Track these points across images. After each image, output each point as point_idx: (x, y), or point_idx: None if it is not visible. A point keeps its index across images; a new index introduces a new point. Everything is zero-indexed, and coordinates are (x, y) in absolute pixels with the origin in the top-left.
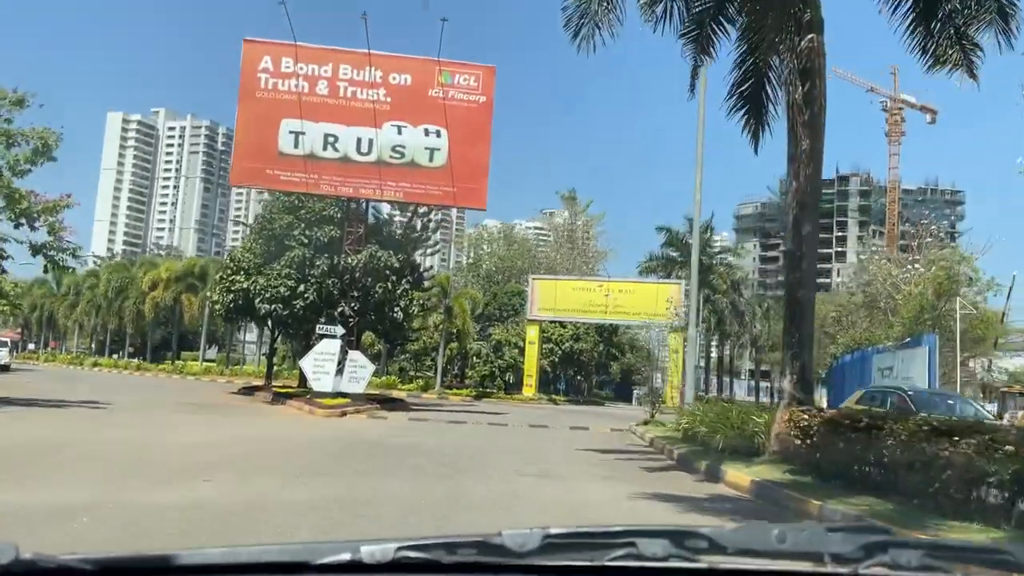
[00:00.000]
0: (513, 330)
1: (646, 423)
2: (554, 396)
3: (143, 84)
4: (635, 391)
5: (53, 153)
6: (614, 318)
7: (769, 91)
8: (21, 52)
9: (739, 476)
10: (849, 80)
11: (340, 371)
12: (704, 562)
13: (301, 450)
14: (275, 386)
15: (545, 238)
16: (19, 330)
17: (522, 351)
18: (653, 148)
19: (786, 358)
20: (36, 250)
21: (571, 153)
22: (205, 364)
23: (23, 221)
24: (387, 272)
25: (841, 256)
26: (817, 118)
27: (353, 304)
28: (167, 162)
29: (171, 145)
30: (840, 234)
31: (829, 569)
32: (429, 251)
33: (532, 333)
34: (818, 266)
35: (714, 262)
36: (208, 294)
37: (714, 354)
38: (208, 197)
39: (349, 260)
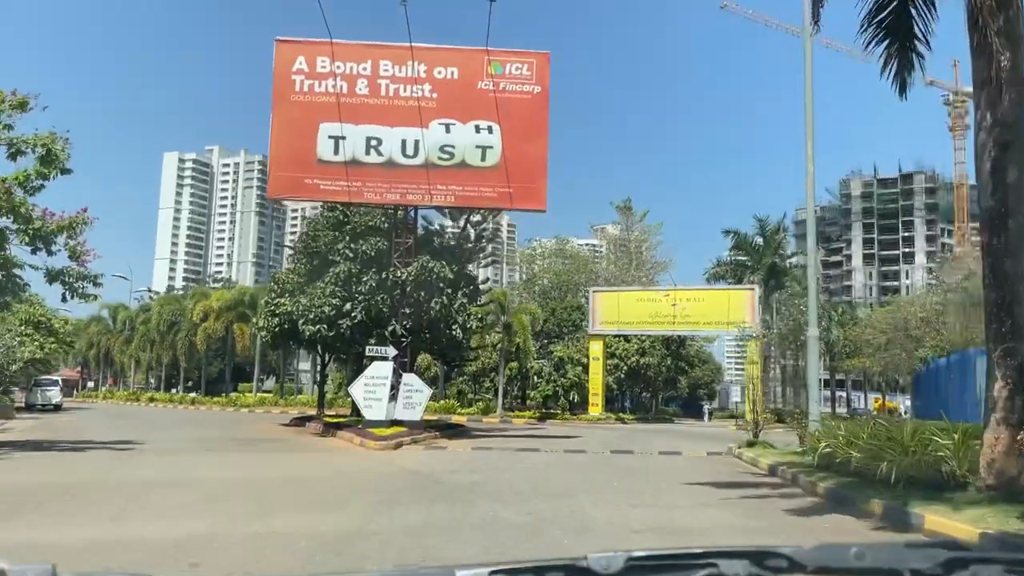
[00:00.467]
0: (574, 346)
1: (751, 445)
2: (621, 414)
3: (195, 122)
4: (705, 406)
5: (64, 163)
6: (682, 329)
7: (917, 11)
8: (76, 91)
9: (950, 524)
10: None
11: (394, 397)
12: None
13: (340, 498)
14: (327, 415)
15: (600, 253)
16: (78, 368)
17: (585, 368)
18: (711, 151)
19: (994, 356)
20: (53, 277)
21: (623, 159)
22: (260, 395)
23: (39, 244)
24: (441, 285)
25: (909, 258)
26: (1014, 25)
27: (405, 322)
28: (223, 198)
29: (226, 181)
30: (907, 234)
31: None
32: (483, 262)
33: (596, 348)
34: (884, 269)
35: (787, 264)
36: (254, 320)
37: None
38: (264, 230)
39: (399, 274)
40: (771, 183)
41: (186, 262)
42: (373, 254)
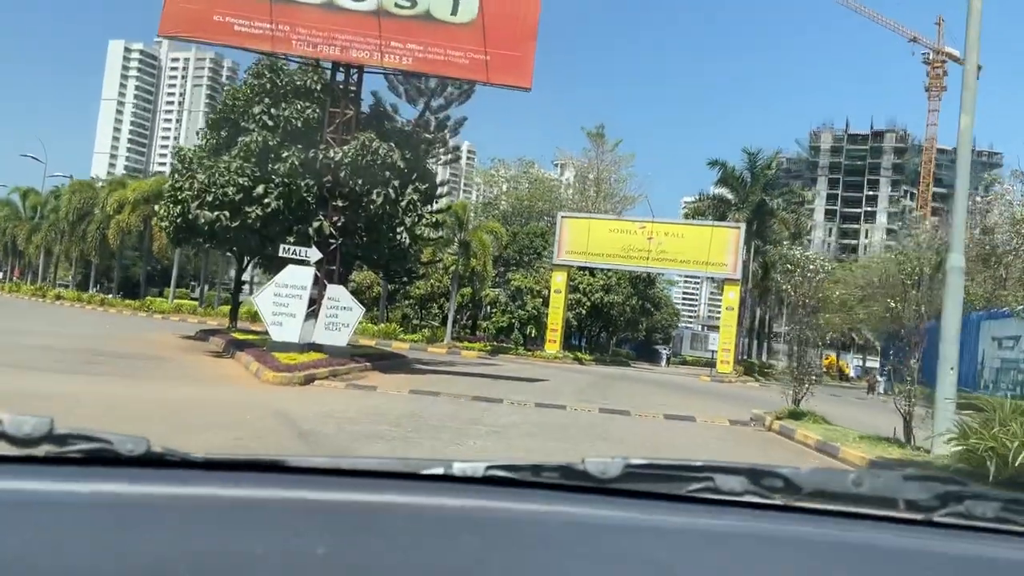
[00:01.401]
0: (534, 277)
1: (795, 416)
2: (579, 354)
3: (146, 10)
4: (664, 352)
5: None
6: (657, 266)
7: None
8: None
9: None
10: (891, 28)
11: (314, 314)
12: (779, 499)
13: None
14: (238, 332)
15: (565, 183)
16: None
17: (545, 301)
18: (699, 82)
19: None
20: None
21: (597, 84)
22: (178, 302)
23: None
24: (387, 174)
25: (871, 217)
26: None
27: (336, 218)
28: (170, 94)
29: (174, 77)
30: (871, 193)
31: (903, 515)
32: (444, 158)
33: (559, 280)
34: (844, 227)
35: (776, 204)
36: (157, 210)
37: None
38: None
39: (332, 153)
40: (763, 119)
41: (127, 158)
42: (300, 125)
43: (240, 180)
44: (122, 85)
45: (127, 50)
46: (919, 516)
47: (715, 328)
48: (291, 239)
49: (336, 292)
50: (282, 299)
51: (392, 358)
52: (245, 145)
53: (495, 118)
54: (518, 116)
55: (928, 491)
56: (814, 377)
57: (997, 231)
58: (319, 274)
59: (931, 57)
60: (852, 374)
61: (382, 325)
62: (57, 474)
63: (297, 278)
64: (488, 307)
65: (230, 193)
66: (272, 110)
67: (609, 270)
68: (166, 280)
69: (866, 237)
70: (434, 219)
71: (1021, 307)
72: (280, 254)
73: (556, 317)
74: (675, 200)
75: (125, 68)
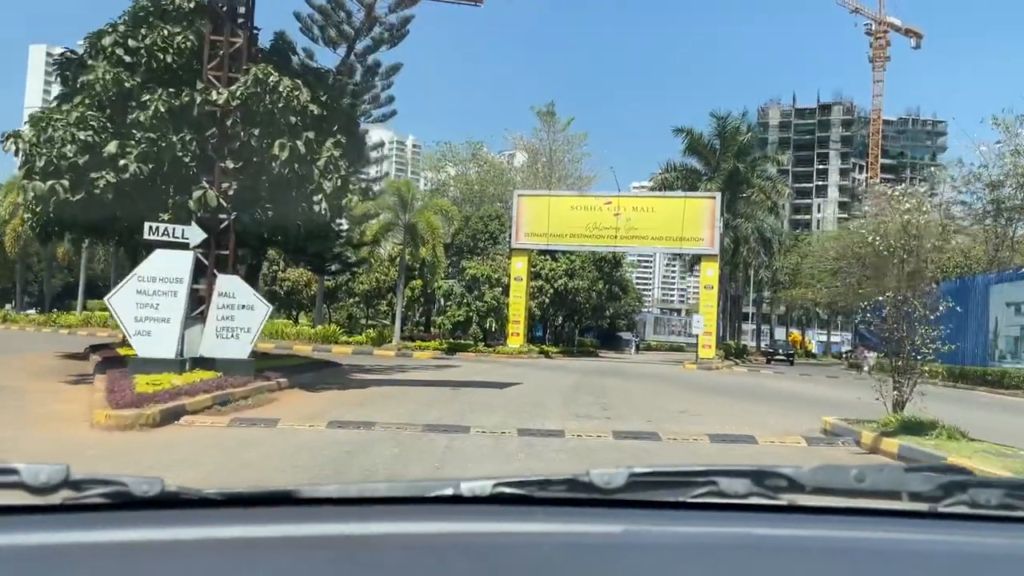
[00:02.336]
0: (492, 264)
1: (911, 428)
2: (545, 347)
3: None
4: (632, 339)
5: None
6: (626, 244)
7: None
8: None
9: None
10: None
11: (201, 317)
12: (784, 499)
13: None
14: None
15: (516, 166)
16: None
17: (505, 290)
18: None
19: None
20: None
21: (547, 63)
22: (87, 314)
23: None
24: (294, 120)
25: (822, 191)
26: None
27: (227, 184)
28: None
29: None
30: (821, 167)
31: (907, 507)
32: (378, 114)
33: (519, 266)
34: (797, 201)
35: (751, 172)
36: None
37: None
38: None
39: (214, 95)
40: (710, 97)
41: None
42: (169, 59)
43: (82, 135)
44: (46, 91)
45: (49, 55)
46: (924, 507)
47: (676, 311)
48: (165, 216)
49: (230, 285)
50: (148, 298)
51: (323, 368)
52: (88, 86)
53: (439, 102)
54: (464, 99)
55: (931, 482)
56: (923, 369)
57: (1006, 184)
58: (206, 262)
59: (874, 28)
60: (816, 351)
61: (319, 327)
62: (76, 522)
63: (169, 268)
64: (442, 300)
65: (68, 154)
66: (129, 40)
67: (573, 253)
68: (93, 291)
69: (819, 212)
70: (363, 184)
71: None
72: (145, 236)
73: (518, 307)
74: (643, 175)
75: (48, 73)
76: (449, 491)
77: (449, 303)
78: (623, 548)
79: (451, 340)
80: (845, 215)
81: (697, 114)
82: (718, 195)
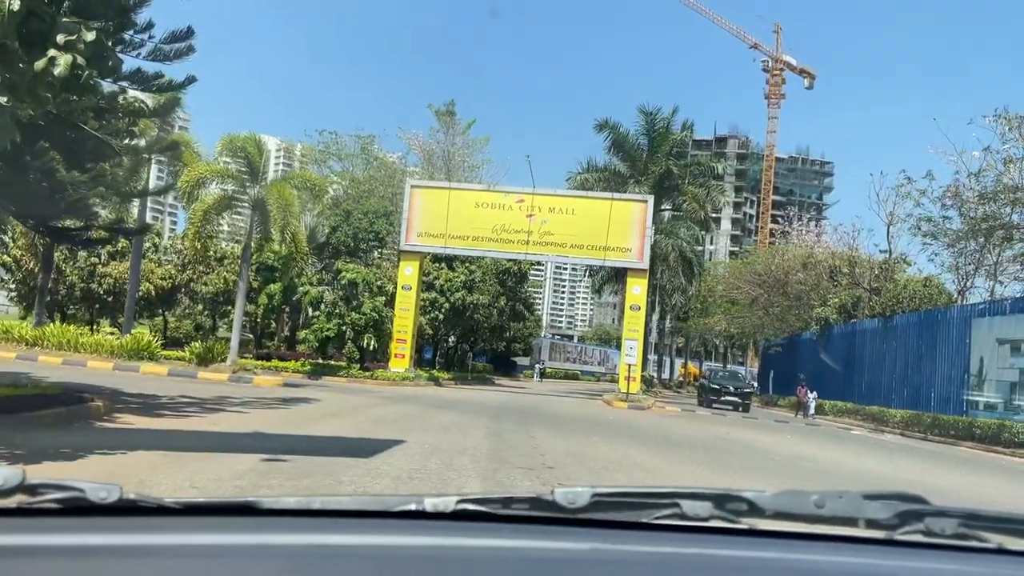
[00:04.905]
0: (376, 271)
1: None
2: (435, 372)
3: None
4: (537, 365)
5: None
6: (541, 252)
7: None
8: None
9: None
10: (734, 33)
11: None
12: (744, 523)
13: None
14: None
15: (413, 170)
16: None
17: (390, 300)
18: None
19: None
20: None
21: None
22: None
23: None
24: None
25: (715, 222)
26: None
27: None
28: None
29: None
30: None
31: (865, 534)
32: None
33: (408, 273)
34: (695, 232)
35: (683, 176)
36: None
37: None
38: None
39: None
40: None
41: None
42: None
43: None
44: None
45: None
46: (880, 535)
47: (569, 338)
48: None
49: None
50: None
51: (58, 405)
52: None
53: (328, 104)
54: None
55: (889, 510)
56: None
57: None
58: None
59: (770, 65)
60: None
61: (128, 338)
62: (30, 526)
63: None
64: (309, 310)
65: None
66: None
67: (474, 261)
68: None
69: (711, 243)
70: (147, 77)
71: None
72: None
73: (405, 322)
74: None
75: None
76: (412, 506)
77: (318, 314)
78: (587, 565)
79: (319, 360)
80: (736, 248)
81: (596, 139)
82: (650, 199)
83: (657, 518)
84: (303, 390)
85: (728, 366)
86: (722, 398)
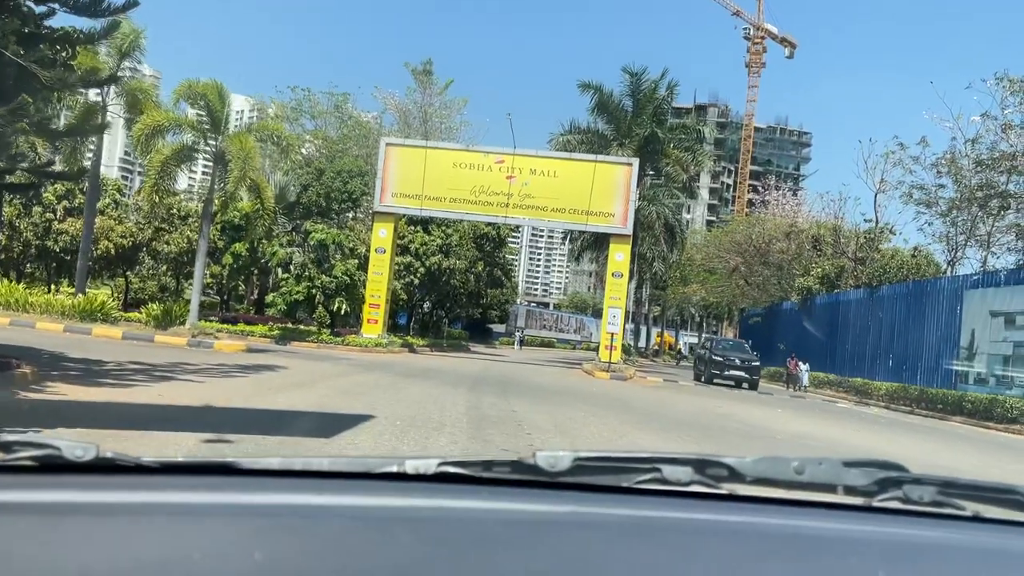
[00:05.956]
0: (348, 234)
1: None
2: (409, 338)
3: None
4: (517, 333)
5: None
6: (521, 215)
7: None
8: None
9: None
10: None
11: None
12: (724, 488)
13: None
14: None
15: (389, 130)
16: None
17: (363, 264)
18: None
19: None
20: None
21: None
22: None
23: None
24: None
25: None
26: None
27: None
28: None
29: None
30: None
31: (843, 500)
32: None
33: (382, 235)
34: (678, 199)
35: (668, 139)
36: None
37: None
38: None
39: None
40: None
41: None
42: None
43: None
44: None
45: None
46: (859, 501)
47: (545, 305)
48: None
49: None
50: None
51: None
52: None
53: (304, 60)
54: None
55: (867, 477)
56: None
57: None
58: None
59: (751, 33)
60: (684, 351)
61: (81, 298)
62: (5, 483)
63: None
64: (278, 272)
65: None
66: None
67: (450, 223)
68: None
69: (688, 212)
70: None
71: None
72: None
73: (379, 286)
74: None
75: None
76: (394, 468)
77: (287, 276)
78: (567, 526)
79: (287, 324)
80: (713, 217)
81: (576, 105)
82: (635, 161)
83: (638, 482)
84: (268, 356)
85: (710, 335)
86: (726, 372)
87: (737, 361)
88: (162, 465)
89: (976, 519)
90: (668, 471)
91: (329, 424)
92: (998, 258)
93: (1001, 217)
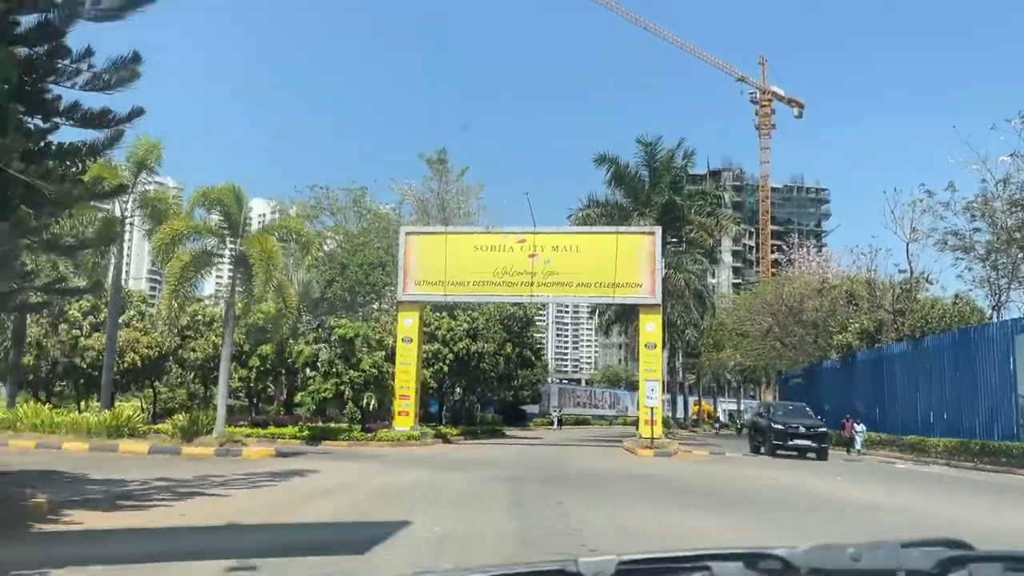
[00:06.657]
0: (373, 325)
1: None
2: (442, 428)
3: None
4: (554, 413)
5: None
6: (546, 293)
7: None
8: None
9: None
10: (721, 67)
11: None
12: None
13: None
14: None
15: (408, 220)
16: None
17: (390, 355)
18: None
19: None
20: None
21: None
22: None
23: None
24: None
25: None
26: None
27: None
28: None
29: None
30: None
31: None
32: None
33: (408, 324)
34: (702, 264)
35: (687, 206)
36: None
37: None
38: None
39: None
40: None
41: None
42: None
43: None
44: None
45: None
46: None
47: (577, 381)
48: None
49: None
50: None
51: None
52: None
53: (318, 158)
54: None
55: (930, 559)
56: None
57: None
58: None
59: (758, 96)
60: (722, 419)
61: (107, 414)
62: None
63: None
64: (305, 371)
65: None
66: None
67: (475, 308)
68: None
69: (713, 277)
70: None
71: None
72: None
73: (407, 377)
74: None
75: None
76: None
77: (314, 374)
78: None
79: (317, 423)
80: (739, 280)
81: (592, 178)
82: (658, 230)
83: None
84: (298, 460)
85: (764, 402)
86: (790, 443)
87: (802, 429)
88: None
89: None
90: (718, 568)
91: (361, 535)
92: None
93: None
